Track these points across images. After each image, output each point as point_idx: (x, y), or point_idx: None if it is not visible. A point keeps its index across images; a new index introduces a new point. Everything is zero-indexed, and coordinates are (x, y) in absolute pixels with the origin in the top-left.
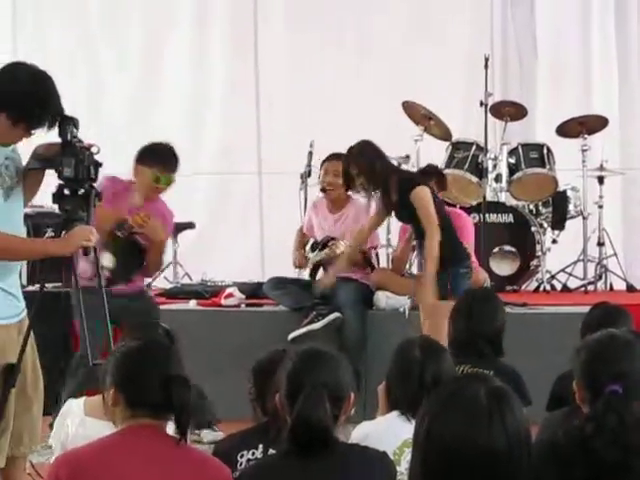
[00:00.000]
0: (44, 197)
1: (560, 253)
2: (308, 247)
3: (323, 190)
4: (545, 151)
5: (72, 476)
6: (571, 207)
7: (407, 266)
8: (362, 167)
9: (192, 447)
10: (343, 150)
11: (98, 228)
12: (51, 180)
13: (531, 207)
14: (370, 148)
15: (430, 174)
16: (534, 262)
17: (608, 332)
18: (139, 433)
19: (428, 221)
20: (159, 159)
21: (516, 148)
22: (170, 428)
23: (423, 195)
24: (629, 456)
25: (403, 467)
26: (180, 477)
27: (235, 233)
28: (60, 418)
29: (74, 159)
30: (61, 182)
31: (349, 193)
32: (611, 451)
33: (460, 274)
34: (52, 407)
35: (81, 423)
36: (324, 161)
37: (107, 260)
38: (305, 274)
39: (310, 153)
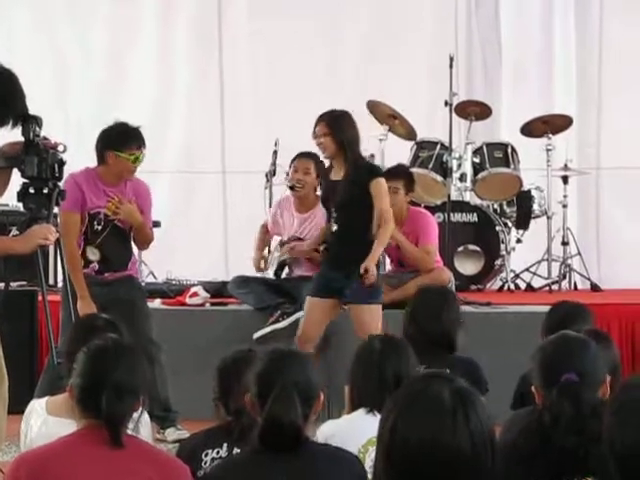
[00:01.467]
0: (8, 195)
1: (524, 252)
2: (273, 247)
3: (292, 188)
4: (509, 150)
5: (31, 476)
6: (535, 206)
7: None
8: (335, 128)
9: (148, 444)
10: (308, 148)
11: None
12: (15, 179)
13: (495, 206)
14: (350, 118)
15: (398, 175)
16: (498, 261)
17: (562, 333)
18: (90, 434)
19: (388, 212)
20: (133, 140)
21: (480, 147)
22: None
23: (385, 187)
24: (587, 442)
25: (367, 465)
26: (139, 476)
27: (199, 232)
28: (25, 418)
29: (37, 158)
30: (25, 181)
31: (318, 193)
32: (569, 438)
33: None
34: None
35: (44, 422)
36: (294, 159)
37: (92, 254)
38: (269, 274)
39: (275, 152)
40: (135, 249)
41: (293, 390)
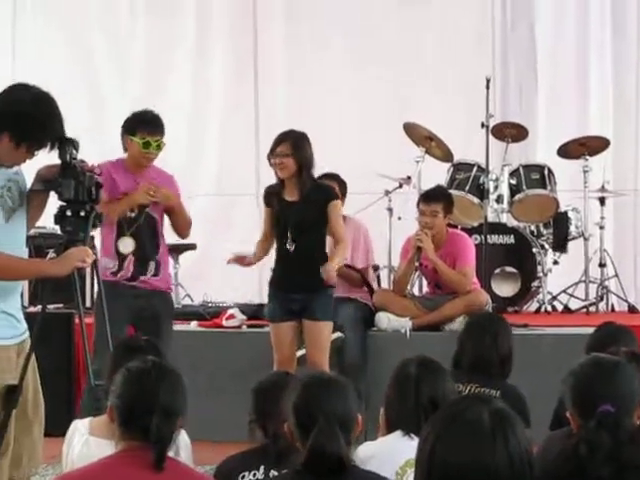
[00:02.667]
0: (46, 218)
1: (561, 274)
2: None
3: None
4: (546, 172)
5: None
6: (572, 228)
7: (408, 287)
8: (298, 149)
9: (187, 467)
10: (340, 170)
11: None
12: (52, 201)
13: (532, 228)
14: (308, 140)
15: (437, 197)
16: (535, 283)
17: (593, 357)
18: (130, 456)
19: (343, 233)
20: (145, 124)
21: (517, 169)
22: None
23: (341, 210)
24: (623, 471)
25: None
26: None
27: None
28: (67, 438)
29: (74, 181)
30: (62, 203)
31: (344, 214)
32: (606, 468)
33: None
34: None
35: (85, 443)
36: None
37: (126, 246)
38: None
39: None
40: (171, 269)
41: (335, 421)
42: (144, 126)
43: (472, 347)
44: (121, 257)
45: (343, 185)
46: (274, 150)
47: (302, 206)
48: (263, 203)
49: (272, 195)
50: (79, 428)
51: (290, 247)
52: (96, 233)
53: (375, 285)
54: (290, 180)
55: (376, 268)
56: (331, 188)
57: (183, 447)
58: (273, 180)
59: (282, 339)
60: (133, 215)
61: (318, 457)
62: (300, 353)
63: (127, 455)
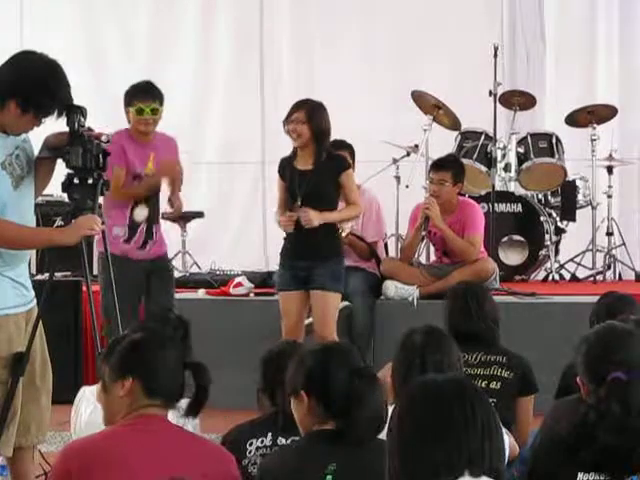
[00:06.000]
0: (53, 186)
1: (569, 243)
2: None
3: None
4: (554, 140)
5: (83, 467)
6: (580, 197)
7: (415, 255)
8: (314, 118)
9: (195, 435)
10: (351, 139)
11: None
12: (60, 169)
13: (540, 197)
14: (326, 111)
15: (444, 166)
16: (543, 252)
17: (607, 324)
18: (148, 423)
19: (358, 199)
20: (138, 92)
21: (525, 137)
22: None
23: (354, 179)
24: (633, 440)
25: None
26: (187, 465)
27: (239, 222)
28: (75, 405)
29: (81, 148)
30: (70, 171)
31: (358, 183)
32: (615, 436)
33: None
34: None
35: (94, 410)
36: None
37: (141, 214)
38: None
39: None
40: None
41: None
42: (138, 95)
43: (462, 319)
44: (134, 225)
45: (352, 153)
46: (290, 117)
47: (314, 176)
48: (278, 174)
49: (285, 166)
50: (87, 395)
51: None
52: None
53: (383, 255)
54: (303, 149)
55: (383, 238)
56: (343, 158)
57: (190, 426)
58: (278, 148)
59: (290, 307)
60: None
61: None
62: (308, 321)
63: (137, 422)
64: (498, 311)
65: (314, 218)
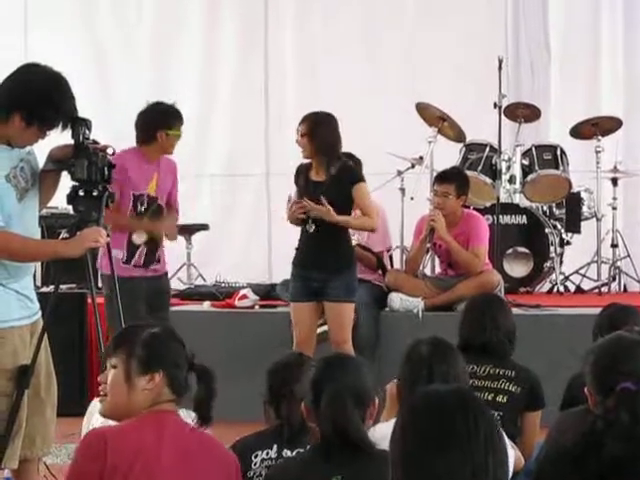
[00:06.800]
0: (58, 198)
1: (574, 255)
2: None
3: None
4: (559, 152)
5: (114, 448)
6: (585, 209)
7: (420, 267)
8: (314, 131)
9: (204, 432)
10: (354, 149)
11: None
12: (65, 181)
13: (545, 209)
14: (333, 122)
15: (448, 179)
16: (547, 264)
17: (615, 334)
18: (165, 419)
19: (372, 211)
20: (176, 115)
21: (530, 149)
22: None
23: (368, 191)
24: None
25: None
26: (198, 460)
27: (243, 234)
28: (87, 416)
29: (86, 161)
30: (75, 183)
31: None
32: (622, 445)
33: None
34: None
35: (105, 422)
36: None
37: (139, 238)
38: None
39: None
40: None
41: (347, 394)
42: (180, 120)
43: (474, 331)
44: (132, 248)
45: (358, 164)
46: (298, 128)
47: (326, 187)
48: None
49: (300, 174)
50: (98, 407)
51: (309, 228)
52: None
53: (388, 266)
54: (315, 160)
55: (388, 249)
56: (356, 170)
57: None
58: (282, 160)
59: (302, 318)
60: (144, 208)
61: (328, 426)
62: (320, 330)
63: (165, 414)
64: (514, 325)
65: (322, 210)
